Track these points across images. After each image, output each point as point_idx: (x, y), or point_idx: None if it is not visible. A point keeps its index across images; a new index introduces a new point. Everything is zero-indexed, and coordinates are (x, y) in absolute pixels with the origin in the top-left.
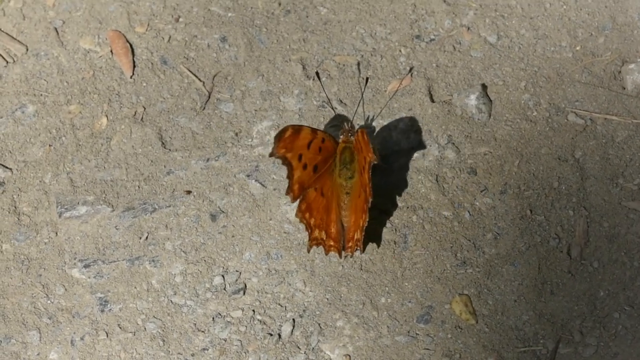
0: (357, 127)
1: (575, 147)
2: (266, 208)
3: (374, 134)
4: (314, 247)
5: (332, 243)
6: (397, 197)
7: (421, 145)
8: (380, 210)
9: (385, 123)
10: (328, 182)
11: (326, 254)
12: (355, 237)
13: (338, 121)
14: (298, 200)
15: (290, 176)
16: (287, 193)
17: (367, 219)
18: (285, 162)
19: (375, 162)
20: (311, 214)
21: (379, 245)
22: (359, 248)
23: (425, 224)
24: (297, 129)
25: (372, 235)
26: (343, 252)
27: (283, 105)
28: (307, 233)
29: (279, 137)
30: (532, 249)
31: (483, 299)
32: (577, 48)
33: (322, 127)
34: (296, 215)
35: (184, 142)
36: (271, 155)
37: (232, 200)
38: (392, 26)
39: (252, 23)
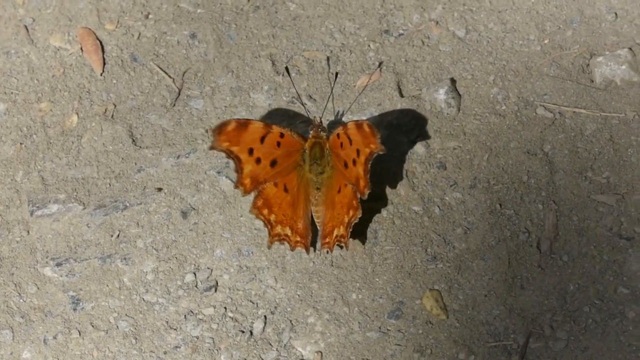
0: (326, 122)
1: (544, 140)
2: (237, 205)
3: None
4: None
5: (298, 239)
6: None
7: (390, 140)
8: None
9: (354, 118)
10: (293, 178)
11: (292, 250)
12: (336, 233)
13: (308, 116)
14: (252, 196)
15: (238, 170)
16: (236, 187)
17: (359, 215)
18: (231, 155)
19: (382, 152)
20: (270, 210)
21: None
22: (343, 244)
23: (395, 219)
24: (243, 123)
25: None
26: (315, 248)
27: (253, 101)
28: (267, 229)
29: (219, 130)
30: (502, 244)
31: (453, 294)
32: (546, 41)
33: (291, 123)
34: (251, 211)
35: (154, 139)
36: (211, 148)
37: (203, 197)
38: (360, 21)
39: (221, 19)
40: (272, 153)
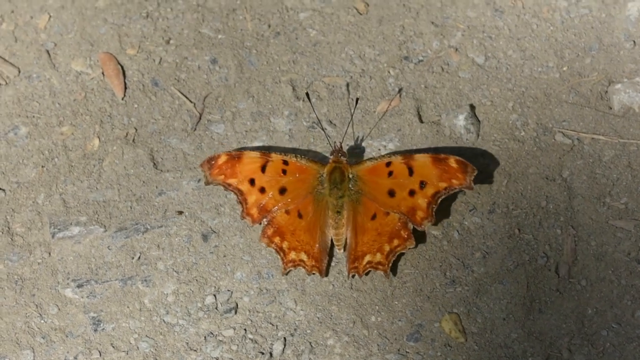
0: (346, 147)
1: (562, 166)
2: (257, 228)
3: (364, 154)
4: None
5: (314, 263)
6: None
7: None
8: None
9: (374, 143)
10: (308, 203)
11: (308, 274)
12: (369, 259)
13: (328, 141)
14: (261, 225)
15: (242, 201)
16: (243, 217)
17: (410, 245)
18: (229, 188)
19: (468, 189)
20: (282, 237)
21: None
22: (382, 271)
23: None
24: (234, 155)
25: None
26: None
27: (273, 126)
28: (279, 257)
29: (209, 165)
30: (520, 268)
31: (472, 317)
32: (564, 68)
33: (311, 148)
34: (260, 240)
35: (175, 163)
36: (207, 183)
37: (224, 220)
38: (380, 47)
39: (242, 45)
40: (278, 181)
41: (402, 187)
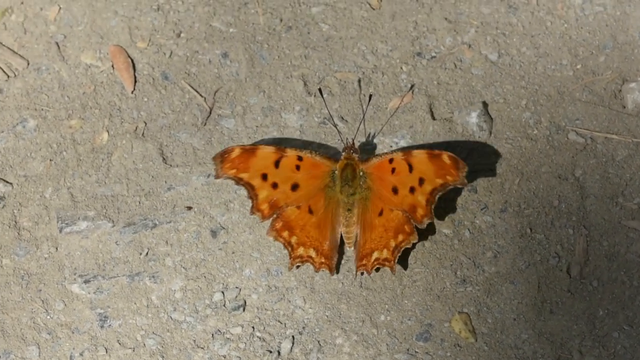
0: (357, 143)
1: (575, 165)
2: (266, 224)
3: (375, 150)
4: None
5: (323, 260)
6: None
7: None
8: None
9: (386, 140)
10: (319, 199)
11: (316, 271)
12: (377, 255)
13: (339, 138)
14: (270, 219)
15: (252, 196)
16: (253, 213)
17: (413, 240)
18: (240, 182)
19: (462, 186)
20: (291, 232)
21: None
22: (389, 268)
23: (425, 242)
24: (248, 149)
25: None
26: (340, 269)
27: (284, 121)
28: (287, 251)
29: (222, 158)
30: (531, 268)
31: (482, 317)
32: (578, 66)
33: (322, 144)
34: (269, 234)
35: (185, 158)
36: (217, 177)
37: (233, 217)
38: (393, 43)
39: (253, 39)
40: (291, 177)
41: (403, 184)
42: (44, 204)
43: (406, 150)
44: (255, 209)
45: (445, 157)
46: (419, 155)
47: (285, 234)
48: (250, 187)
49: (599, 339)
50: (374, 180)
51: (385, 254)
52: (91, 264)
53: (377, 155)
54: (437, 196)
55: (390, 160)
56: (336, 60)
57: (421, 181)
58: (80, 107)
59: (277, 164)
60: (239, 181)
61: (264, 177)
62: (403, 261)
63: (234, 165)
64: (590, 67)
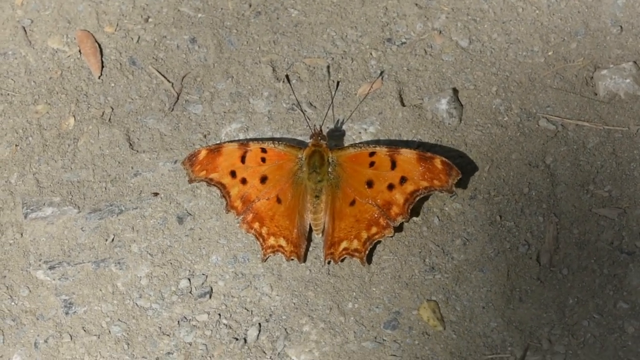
0: (326, 130)
1: (546, 152)
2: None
3: (344, 137)
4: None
5: (293, 248)
6: None
7: None
8: None
9: (355, 126)
10: (287, 188)
11: (287, 260)
12: (345, 245)
13: (307, 124)
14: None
15: (225, 195)
16: (228, 210)
17: (388, 234)
18: (212, 183)
19: (450, 194)
20: (262, 223)
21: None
22: (358, 258)
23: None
24: (214, 149)
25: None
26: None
27: (252, 107)
28: (258, 243)
29: (190, 161)
30: (501, 255)
31: (451, 305)
32: (549, 53)
33: (290, 130)
34: (240, 226)
35: (151, 144)
36: (190, 181)
37: (200, 203)
38: (363, 29)
39: (222, 24)
40: (258, 170)
41: (381, 180)
42: (9, 189)
43: (392, 146)
44: (229, 206)
45: (438, 161)
46: (407, 155)
47: (256, 225)
48: (221, 186)
49: (568, 327)
50: (346, 170)
51: (356, 244)
52: (56, 250)
53: (354, 144)
54: (418, 198)
55: (371, 154)
56: (305, 46)
57: (403, 180)
58: (47, 92)
59: (242, 159)
60: (210, 182)
61: (233, 174)
62: (371, 250)
63: (202, 167)
64: (561, 54)
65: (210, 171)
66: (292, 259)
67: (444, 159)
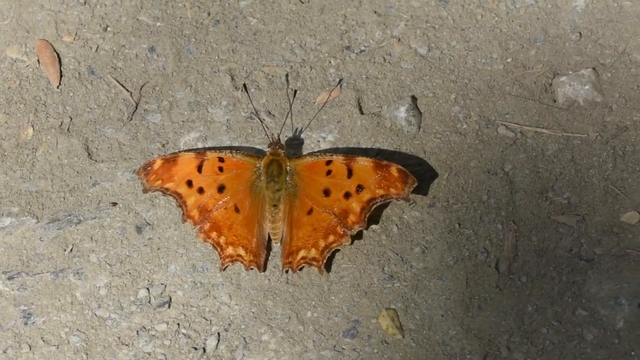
0: (284, 139)
1: (505, 160)
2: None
3: (302, 145)
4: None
5: (252, 258)
6: None
7: None
8: None
9: (313, 135)
10: (245, 197)
11: (246, 269)
12: (303, 254)
13: (265, 133)
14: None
15: (181, 204)
16: (184, 220)
17: (345, 242)
18: (167, 192)
19: (407, 202)
20: (220, 232)
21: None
22: (316, 267)
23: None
24: (169, 158)
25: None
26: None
27: (211, 116)
28: (216, 252)
29: (145, 171)
30: (460, 263)
31: (410, 313)
32: (508, 60)
33: (249, 139)
34: (197, 236)
35: (110, 153)
36: (145, 191)
37: (158, 213)
38: (322, 37)
39: (180, 33)
40: (215, 180)
41: (338, 188)
42: None
43: (348, 154)
44: (186, 216)
45: (394, 169)
46: (363, 162)
47: (214, 235)
48: (177, 196)
49: (527, 335)
50: (303, 179)
51: (314, 253)
52: (15, 261)
53: (312, 153)
54: (375, 206)
55: (328, 162)
56: (264, 54)
57: (359, 188)
58: (5, 102)
59: (199, 168)
60: (165, 192)
61: (189, 183)
62: (329, 259)
63: (158, 176)
64: (520, 61)
65: (166, 181)
66: (252, 268)
67: (400, 167)
